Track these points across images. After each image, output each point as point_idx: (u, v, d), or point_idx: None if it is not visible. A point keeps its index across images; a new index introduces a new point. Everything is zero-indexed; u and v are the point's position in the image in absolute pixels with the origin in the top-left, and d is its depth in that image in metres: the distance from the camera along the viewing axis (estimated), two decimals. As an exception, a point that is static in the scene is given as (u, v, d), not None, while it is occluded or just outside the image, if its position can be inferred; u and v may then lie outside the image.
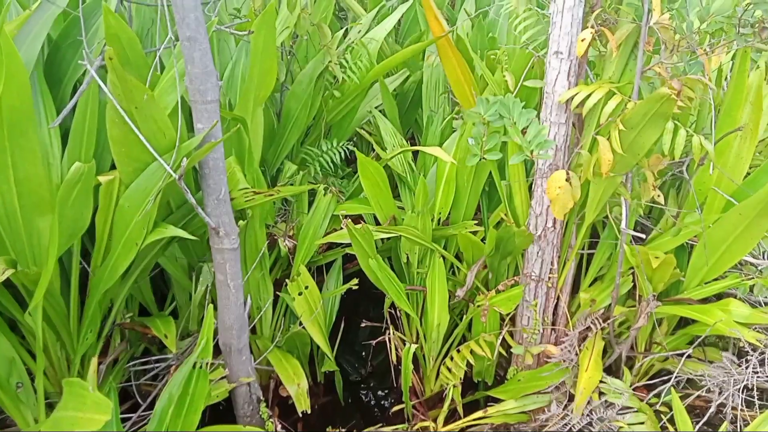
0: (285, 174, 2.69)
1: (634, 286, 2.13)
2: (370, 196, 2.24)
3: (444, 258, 2.28)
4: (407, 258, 2.37)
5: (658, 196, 1.89)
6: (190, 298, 2.29)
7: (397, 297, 2.17)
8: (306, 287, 2.40)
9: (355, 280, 2.45)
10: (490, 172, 2.34)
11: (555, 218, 1.98)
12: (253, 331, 2.42)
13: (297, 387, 2.16)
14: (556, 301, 2.15)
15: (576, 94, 1.75)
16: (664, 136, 1.69)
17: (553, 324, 2.18)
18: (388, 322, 2.50)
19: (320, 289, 2.63)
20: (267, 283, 2.36)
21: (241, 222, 1.92)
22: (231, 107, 2.31)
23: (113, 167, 1.76)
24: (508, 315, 2.16)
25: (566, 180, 1.65)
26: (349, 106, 2.84)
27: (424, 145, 2.66)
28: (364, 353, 2.84)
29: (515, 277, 2.10)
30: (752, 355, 1.75)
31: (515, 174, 2.05)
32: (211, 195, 1.73)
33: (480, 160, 1.75)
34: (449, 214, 2.46)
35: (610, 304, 2.10)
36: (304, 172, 2.71)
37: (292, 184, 2.68)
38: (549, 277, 2.09)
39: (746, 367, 1.77)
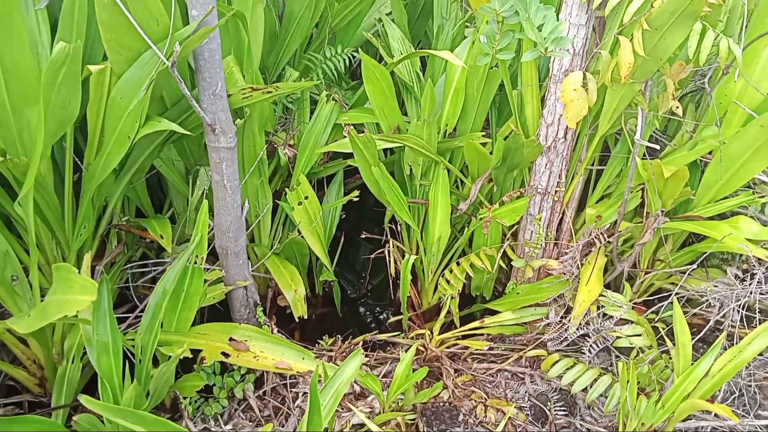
0: (286, 80, 2.58)
1: (642, 204, 2.07)
2: (374, 104, 2.15)
3: (449, 171, 2.22)
4: (410, 170, 2.30)
5: (677, 107, 1.80)
6: (188, 203, 2.24)
7: (398, 208, 2.12)
8: (306, 197, 2.36)
9: (356, 192, 2.40)
10: (502, 83, 2.24)
11: (566, 128, 1.90)
12: (251, 239, 2.40)
13: (294, 293, 2.15)
14: (561, 215, 2.11)
15: (599, -9, 1.63)
16: (690, 39, 1.58)
17: (557, 239, 2.15)
18: (389, 236, 2.47)
19: (320, 203, 2.60)
20: (265, 189, 2.31)
21: (238, 121, 1.84)
22: (229, 2, 2.17)
23: (106, 59, 1.67)
24: (511, 228, 2.13)
25: (582, 84, 1.56)
26: (355, 10, 2.68)
27: (435, 44, 2.54)
28: (363, 273, 2.84)
29: (521, 189, 2.04)
30: (758, 270, 1.72)
31: (528, 78, 1.95)
32: (207, 89, 1.65)
33: (491, 60, 1.66)
34: (456, 126, 2.38)
35: (616, 221, 2.06)
36: (306, 79, 2.61)
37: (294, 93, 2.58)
38: (556, 191, 2.03)
39: (750, 284, 1.75)
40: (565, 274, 1.98)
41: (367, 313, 2.74)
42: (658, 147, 1.96)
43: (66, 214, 1.78)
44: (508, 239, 2.13)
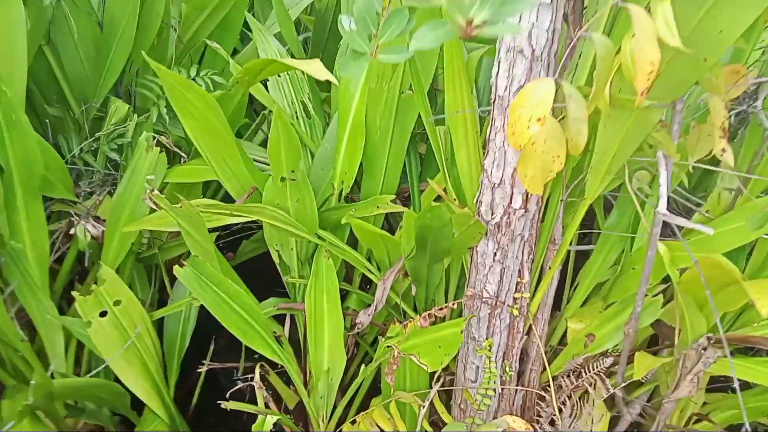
0: (111, 115, 1.70)
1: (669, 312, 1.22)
2: (204, 151, 1.26)
3: (349, 262, 1.34)
4: (279, 256, 1.42)
5: (724, 151, 0.98)
6: None
7: (240, 331, 1.21)
8: (117, 302, 1.44)
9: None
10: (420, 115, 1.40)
11: (527, 193, 1.05)
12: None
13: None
14: (524, 336, 1.23)
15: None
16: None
17: (520, 377, 1.27)
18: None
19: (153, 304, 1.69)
20: (37, 295, 1.37)
21: None
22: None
23: None
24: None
25: (552, 110, 0.71)
26: (214, 18, 1.83)
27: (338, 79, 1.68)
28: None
29: (454, 302, 1.15)
30: None
31: (455, 99, 1.11)
32: None
33: (370, 64, 0.82)
34: (359, 183, 1.52)
35: (618, 345, 1.20)
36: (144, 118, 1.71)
37: (122, 135, 1.70)
38: (514, 298, 1.16)
39: None
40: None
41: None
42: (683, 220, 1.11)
43: None
44: (439, 378, 1.23)
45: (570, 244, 1.22)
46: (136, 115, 1.69)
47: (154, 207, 1.20)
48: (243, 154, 1.28)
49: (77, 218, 1.52)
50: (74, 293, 1.39)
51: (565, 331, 1.30)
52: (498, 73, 1.01)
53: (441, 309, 1.10)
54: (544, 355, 1.21)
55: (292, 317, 1.50)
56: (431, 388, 1.21)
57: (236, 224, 2.03)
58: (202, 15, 1.82)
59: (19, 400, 1.19)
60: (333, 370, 1.33)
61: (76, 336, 1.42)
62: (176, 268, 1.15)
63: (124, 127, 1.69)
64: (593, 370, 1.18)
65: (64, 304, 1.60)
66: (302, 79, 1.68)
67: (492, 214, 1.09)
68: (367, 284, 1.56)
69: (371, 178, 1.48)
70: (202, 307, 1.52)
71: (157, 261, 1.68)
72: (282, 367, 1.33)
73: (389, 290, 1.29)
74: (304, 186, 1.25)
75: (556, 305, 1.32)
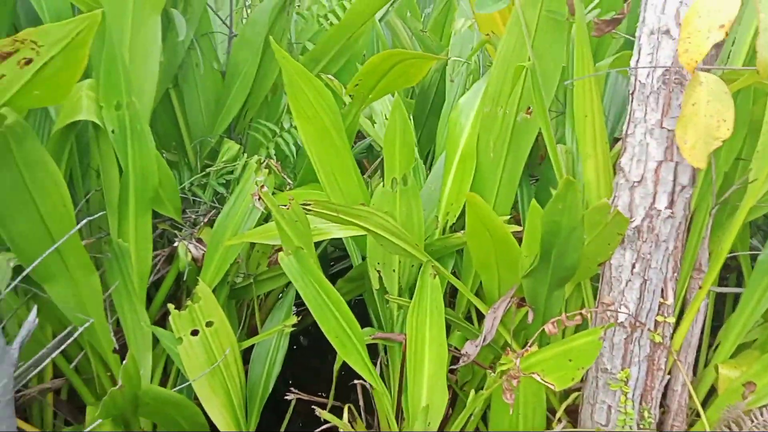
0: (222, 155, 1.75)
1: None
2: (314, 157, 1.24)
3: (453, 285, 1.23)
4: (380, 280, 1.32)
5: None
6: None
7: (342, 347, 1.10)
8: (209, 323, 1.38)
9: (293, 318, 1.41)
10: (538, 138, 1.33)
11: (674, 190, 0.92)
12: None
13: None
14: (666, 375, 1.03)
15: None
16: None
17: (661, 425, 1.05)
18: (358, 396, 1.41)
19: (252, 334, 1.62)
20: (135, 307, 1.34)
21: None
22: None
23: None
24: (565, 396, 1.06)
25: (736, 11, 0.62)
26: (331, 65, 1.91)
27: (443, 111, 1.67)
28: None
29: (582, 311, 0.98)
30: None
31: (584, 100, 1.03)
32: None
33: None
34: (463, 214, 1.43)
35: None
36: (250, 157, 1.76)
37: (231, 172, 1.74)
38: (656, 322, 0.99)
39: None
40: None
41: None
42: None
43: None
44: (558, 421, 1.04)
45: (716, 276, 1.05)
46: (245, 155, 1.74)
47: (261, 208, 1.18)
48: (354, 167, 1.25)
49: (180, 237, 1.53)
50: (170, 306, 1.35)
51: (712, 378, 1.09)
52: (638, 59, 0.93)
53: (574, 315, 0.93)
54: (697, 402, 1.00)
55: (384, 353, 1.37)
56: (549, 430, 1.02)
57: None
58: (317, 68, 1.91)
59: (103, 406, 1.12)
60: (432, 408, 1.17)
61: (165, 351, 1.37)
62: (280, 255, 1.08)
63: (234, 165, 1.74)
64: (755, 423, 0.96)
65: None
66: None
67: (631, 218, 0.96)
68: (468, 318, 1.42)
69: (479, 208, 1.40)
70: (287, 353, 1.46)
71: (250, 296, 1.64)
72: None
73: (501, 317, 1.16)
74: (414, 195, 1.19)
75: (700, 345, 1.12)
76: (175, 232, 1.58)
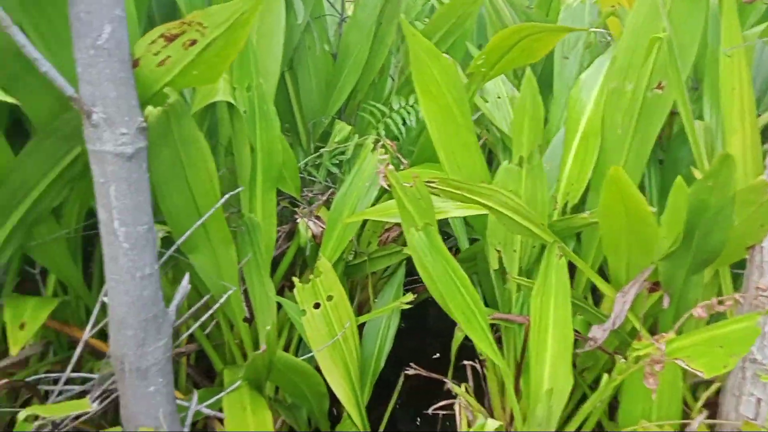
0: (334, 136, 1.80)
1: None
2: (435, 136, 1.24)
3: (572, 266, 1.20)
4: (499, 260, 1.31)
5: None
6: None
7: (467, 322, 1.10)
8: (329, 297, 1.43)
9: (409, 296, 1.43)
10: (672, 115, 1.26)
11: None
12: (226, 356, 1.49)
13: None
14: (825, 371, 0.95)
15: None
16: None
17: (817, 424, 0.98)
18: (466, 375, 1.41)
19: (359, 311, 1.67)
20: (263, 278, 1.41)
21: (150, 108, 0.95)
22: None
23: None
24: (706, 387, 1.01)
25: None
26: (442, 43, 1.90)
27: (556, 88, 1.61)
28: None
29: (734, 295, 0.92)
30: None
31: (731, 70, 0.96)
32: (83, 37, 0.85)
33: None
34: (585, 198, 1.39)
35: None
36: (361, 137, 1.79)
37: (343, 153, 1.79)
38: (816, 312, 0.91)
39: None
40: None
41: None
42: None
43: None
44: (699, 412, 0.99)
45: None
46: (357, 135, 1.77)
47: (386, 186, 1.20)
48: (476, 145, 1.24)
49: (300, 215, 1.59)
50: (294, 279, 1.42)
51: None
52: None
53: (714, 301, 0.88)
54: None
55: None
56: (690, 421, 0.97)
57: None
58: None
59: (247, 368, 1.19)
60: (556, 391, 1.15)
61: (290, 321, 1.43)
62: (411, 231, 1.10)
63: (345, 146, 1.78)
64: None
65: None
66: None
67: (790, 195, 0.89)
68: (586, 298, 1.38)
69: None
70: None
71: (362, 273, 1.68)
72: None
73: (631, 302, 1.11)
74: (539, 173, 1.16)
75: None
76: (294, 209, 1.65)
